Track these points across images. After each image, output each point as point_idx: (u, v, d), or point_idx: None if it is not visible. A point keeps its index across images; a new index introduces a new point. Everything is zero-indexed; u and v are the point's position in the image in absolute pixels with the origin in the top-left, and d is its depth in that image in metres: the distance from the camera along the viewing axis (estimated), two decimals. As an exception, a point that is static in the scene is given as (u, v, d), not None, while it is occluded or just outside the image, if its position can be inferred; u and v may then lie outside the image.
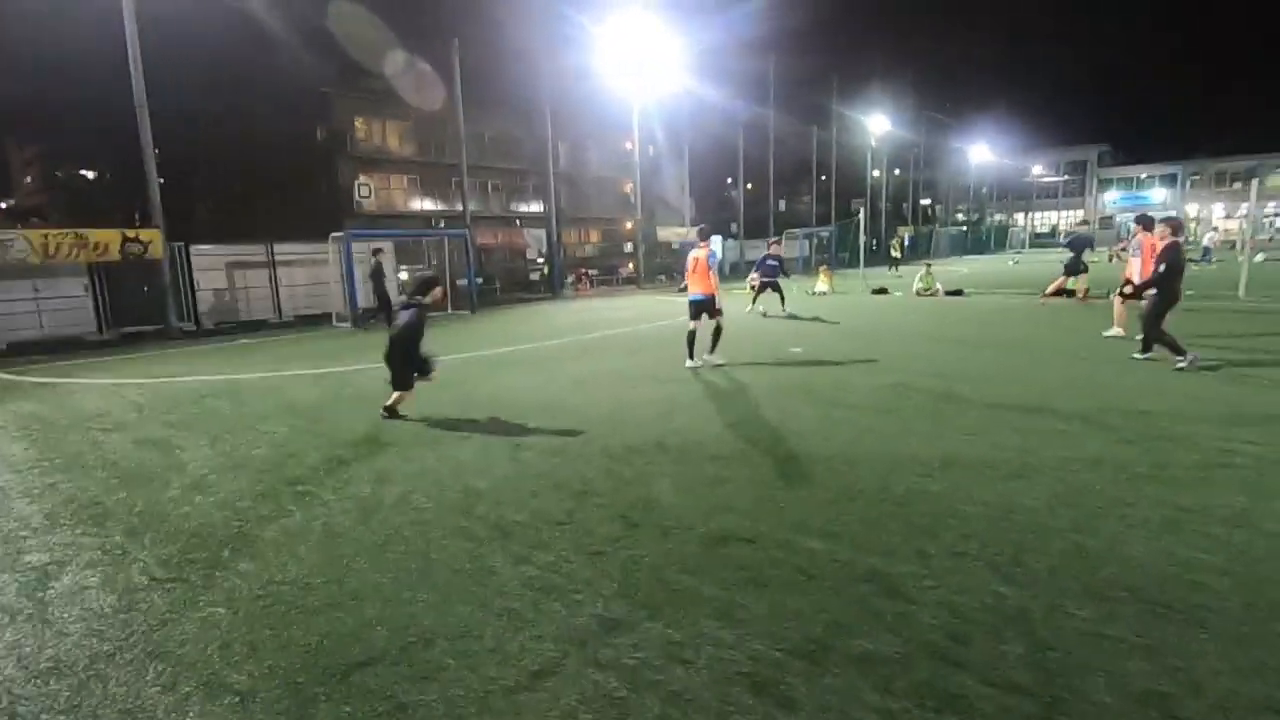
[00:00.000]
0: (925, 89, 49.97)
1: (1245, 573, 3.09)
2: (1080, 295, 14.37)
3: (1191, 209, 65.51)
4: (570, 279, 24.73)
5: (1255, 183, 16.94)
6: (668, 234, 25.69)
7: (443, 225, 36.20)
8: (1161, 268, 7.25)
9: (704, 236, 9.25)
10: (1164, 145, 66.23)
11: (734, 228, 31.08)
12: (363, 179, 29.42)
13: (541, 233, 24.40)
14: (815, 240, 32.19)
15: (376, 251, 15.60)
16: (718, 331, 8.88)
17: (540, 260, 25.72)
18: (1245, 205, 61.59)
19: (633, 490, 4.44)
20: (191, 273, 15.67)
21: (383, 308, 14.62)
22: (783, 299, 14.97)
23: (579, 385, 7.89)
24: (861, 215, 21.19)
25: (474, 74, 24.15)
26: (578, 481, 4.63)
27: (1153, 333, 7.47)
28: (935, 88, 52.74)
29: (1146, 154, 67.78)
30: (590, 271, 26.86)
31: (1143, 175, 69.63)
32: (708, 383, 7.74)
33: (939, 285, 17.72)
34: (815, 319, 14.02)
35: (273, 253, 16.91)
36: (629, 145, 43.86)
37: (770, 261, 14.73)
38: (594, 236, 44.17)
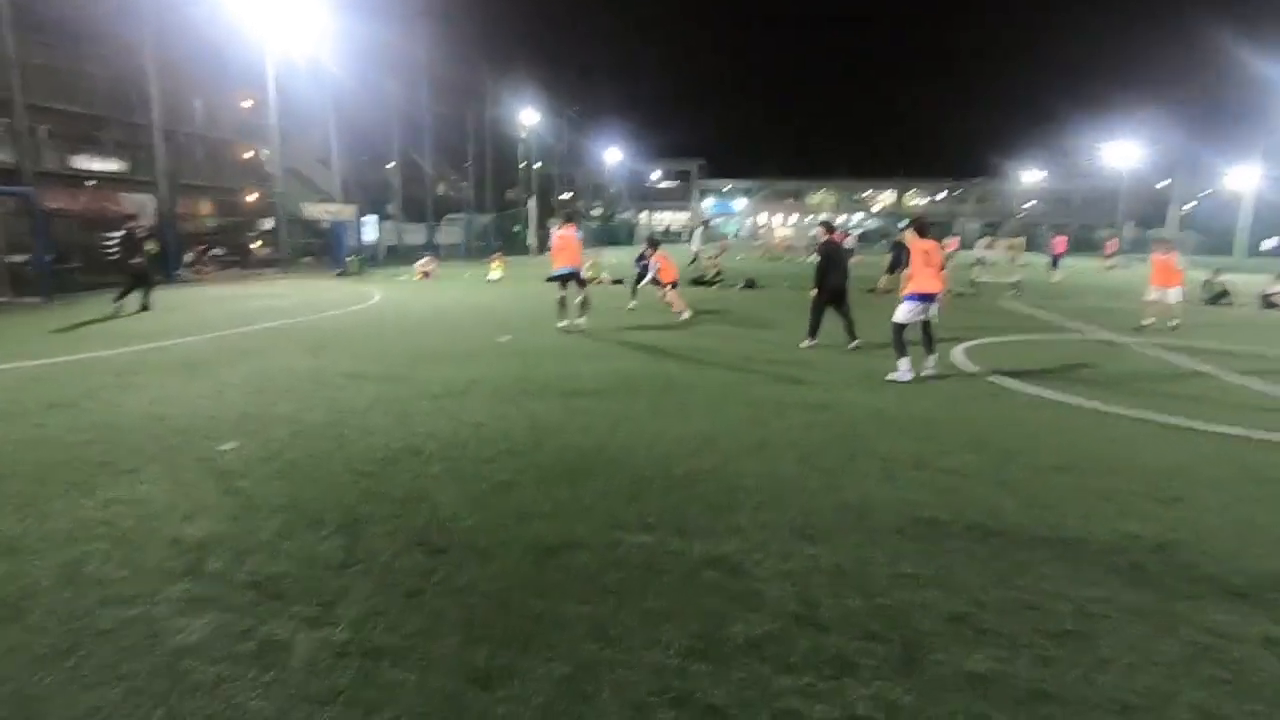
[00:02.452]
0: (565, 91, 53.12)
1: (960, 504, 3.99)
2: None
3: (761, 217, 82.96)
4: (189, 259, 20.12)
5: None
6: (316, 210, 22.61)
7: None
8: (814, 258, 9.22)
9: (570, 219, 10.96)
10: (744, 164, 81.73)
11: (390, 209, 28.92)
12: None
13: (147, 198, 19.26)
14: (475, 227, 31.87)
15: (130, 219, 13.39)
16: (584, 301, 10.60)
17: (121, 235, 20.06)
18: (794, 216, 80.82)
19: (414, 509, 3.81)
20: None
21: (138, 283, 12.24)
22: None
23: (271, 389, 6.48)
24: (531, 205, 21.59)
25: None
26: (336, 509, 3.80)
27: (812, 318, 9.23)
28: (574, 91, 56.57)
29: (731, 170, 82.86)
30: (214, 251, 22.23)
31: (728, 188, 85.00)
32: (425, 380, 7.06)
33: (605, 274, 19.11)
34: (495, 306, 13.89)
35: None
36: (248, 103, 37.59)
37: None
38: (205, 208, 36.67)
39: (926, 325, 7.47)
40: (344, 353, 8.55)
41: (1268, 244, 44.60)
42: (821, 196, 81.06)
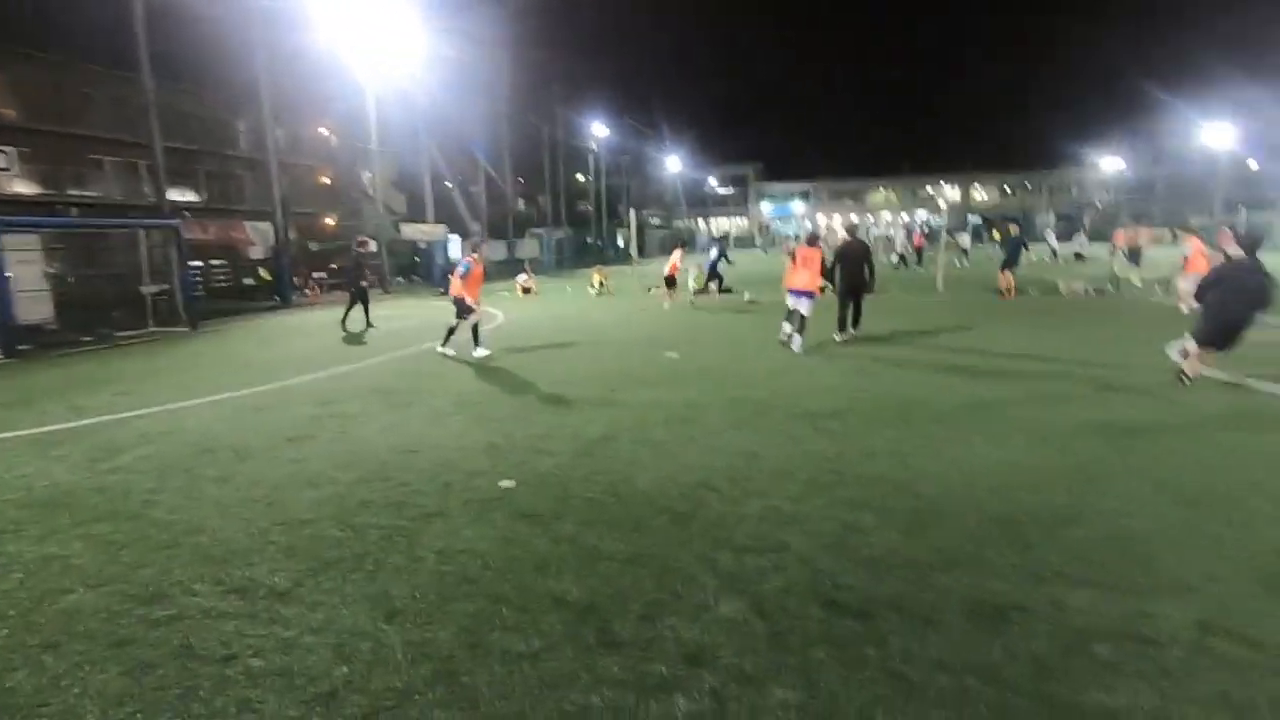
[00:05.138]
0: (625, 104, 53.06)
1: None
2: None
3: (821, 219, 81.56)
4: (297, 283, 20.56)
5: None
6: (414, 231, 22.86)
7: (75, 213, 27.60)
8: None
9: (474, 249, 10.16)
10: (801, 165, 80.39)
11: (476, 227, 29.18)
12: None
13: (267, 226, 19.79)
14: (554, 241, 31.93)
15: (363, 243, 14.46)
16: (453, 329, 9.72)
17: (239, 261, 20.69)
18: (854, 216, 79.04)
19: (779, 561, 3.40)
20: None
21: (359, 301, 13.13)
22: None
23: (490, 416, 6.22)
24: (633, 218, 21.39)
25: (115, 22, 18.61)
26: (695, 561, 3.42)
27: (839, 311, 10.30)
28: (633, 104, 56.77)
29: (789, 172, 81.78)
30: (318, 275, 22.70)
31: (786, 190, 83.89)
32: (638, 404, 6.71)
33: (712, 285, 18.64)
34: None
35: None
36: (325, 131, 38.77)
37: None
38: (292, 233, 37.87)
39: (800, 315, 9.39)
40: (524, 373, 8.32)
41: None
42: (883, 195, 79.19)
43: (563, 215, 36.15)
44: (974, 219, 65.76)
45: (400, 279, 26.06)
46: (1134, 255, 18.16)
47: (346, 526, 3.93)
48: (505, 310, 16.34)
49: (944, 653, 2.64)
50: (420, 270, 24.74)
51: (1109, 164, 64.48)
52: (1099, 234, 37.66)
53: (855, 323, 10.22)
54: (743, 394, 6.95)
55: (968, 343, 9.74)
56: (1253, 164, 51.33)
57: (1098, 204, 64.66)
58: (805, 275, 9.45)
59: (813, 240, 10.04)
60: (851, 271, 10.11)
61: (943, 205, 29.82)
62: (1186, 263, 11.34)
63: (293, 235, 33.36)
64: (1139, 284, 16.84)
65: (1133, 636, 2.70)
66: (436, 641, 2.79)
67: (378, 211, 23.06)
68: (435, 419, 6.28)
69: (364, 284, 12.96)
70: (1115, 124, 68.52)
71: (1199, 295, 6.75)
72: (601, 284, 20.50)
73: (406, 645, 2.77)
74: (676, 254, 17.48)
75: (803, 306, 9.38)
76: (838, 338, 9.97)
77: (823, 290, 10.69)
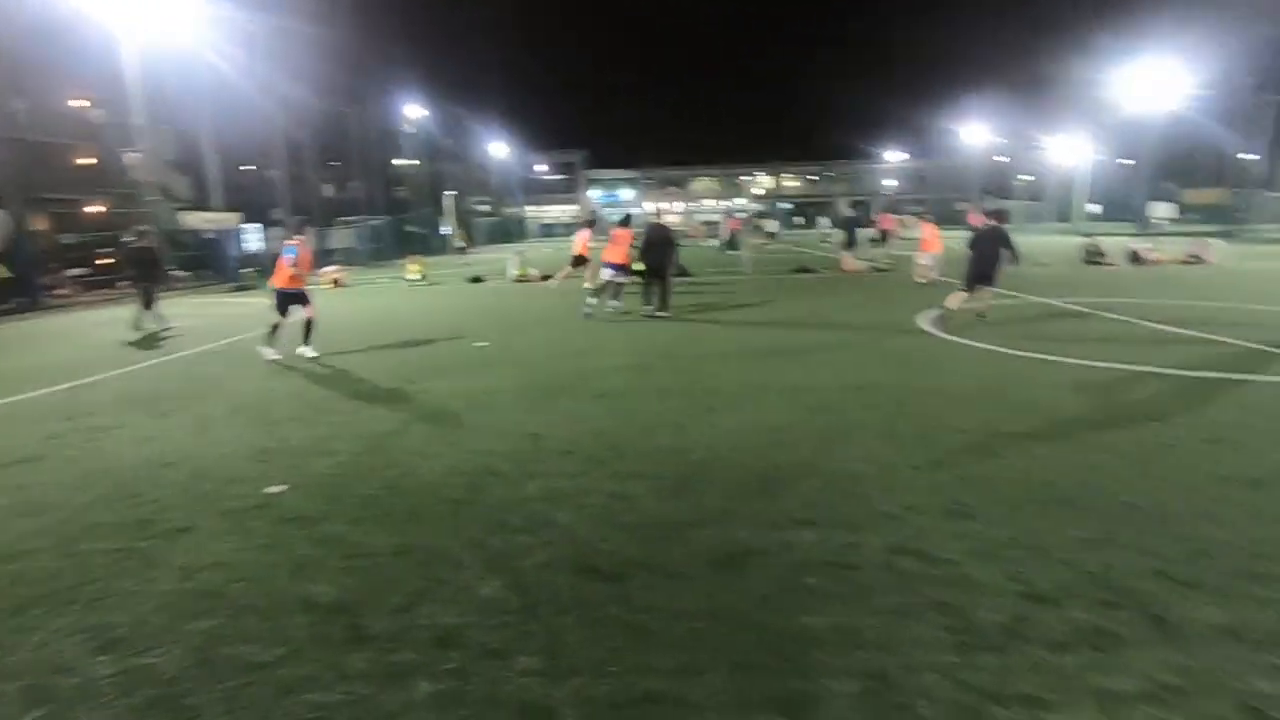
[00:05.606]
0: (443, 88, 50.52)
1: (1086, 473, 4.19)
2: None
3: (650, 205, 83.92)
4: (47, 282, 17.49)
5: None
6: (198, 220, 20.31)
7: None
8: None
9: (298, 231, 9.32)
10: (625, 153, 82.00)
11: (276, 214, 26.45)
12: None
13: (1, 216, 16.51)
14: (368, 230, 29.82)
15: (141, 234, 12.15)
16: (309, 323, 8.62)
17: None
18: (681, 204, 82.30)
19: (548, 535, 3.51)
20: None
21: (145, 297, 11.20)
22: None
23: (269, 419, 5.75)
24: (451, 204, 20.50)
25: None
26: (464, 546, 3.44)
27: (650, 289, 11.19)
28: (451, 88, 54.11)
29: (614, 160, 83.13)
30: (74, 272, 19.51)
31: (614, 178, 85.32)
32: (438, 394, 6.55)
33: (534, 270, 18.56)
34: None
35: None
36: (85, 104, 33.25)
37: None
38: (41, 223, 32.01)
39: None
40: (318, 372, 7.78)
41: (1092, 208, 49.60)
42: (705, 183, 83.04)
43: (380, 202, 33.98)
44: (783, 205, 71.98)
45: (186, 273, 23.13)
46: (880, 238, 20.68)
47: (68, 555, 3.48)
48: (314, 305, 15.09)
49: (685, 601, 2.88)
50: (210, 264, 22.10)
51: (893, 156, 72.67)
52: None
53: (664, 304, 10.69)
54: (543, 377, 7.04)
55: (759, 316, 10.63)
56: (1000, 158, 60.26)
57: (883, 192, 72.41)
58: (616, 250, 10.95)
59: (625, 222, 11.68)
60: (653, 253, 10.82)
61: (757, 192, 31.88)
62: (922, 243, 13.69)
63: (41, 226, 28.42)
64: (885, 262, 18.84)
65: (839, 565, 3.12)
66: (159, 666, 2.56)
67: (153, 197, 20.11)
68: (203, 427, 5.71)
69: (146, 280, 11.21)
70: (900, 121, 77.12)
71: (971, 246, 9.21)
72: (422, 275, 19.66)
73: (121, 675, 2.52)
74: (584, 234, 15.49)
75: (609, 274, 11.05)
76: (643, 313, 10.80)
77: (638, 273, 11.35)
